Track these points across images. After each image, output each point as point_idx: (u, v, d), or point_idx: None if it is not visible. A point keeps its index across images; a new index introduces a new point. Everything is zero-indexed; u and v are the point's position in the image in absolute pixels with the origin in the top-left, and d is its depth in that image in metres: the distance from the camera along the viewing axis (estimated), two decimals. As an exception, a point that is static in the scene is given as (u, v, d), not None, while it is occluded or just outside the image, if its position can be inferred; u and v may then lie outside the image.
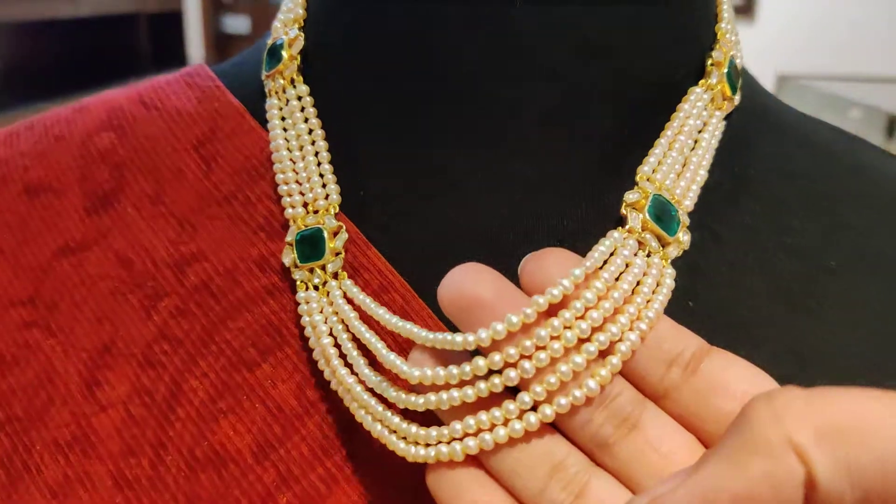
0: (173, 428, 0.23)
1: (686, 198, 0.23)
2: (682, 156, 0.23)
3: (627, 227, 0.22)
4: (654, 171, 0.23)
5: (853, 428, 0.14)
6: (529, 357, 0.19)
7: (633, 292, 0.20)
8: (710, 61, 0.25)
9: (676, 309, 0.21)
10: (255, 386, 0.23)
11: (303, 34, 0.25)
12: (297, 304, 0.23)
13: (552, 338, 0.19)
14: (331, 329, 0.22)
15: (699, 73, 0.25)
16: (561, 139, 0.24)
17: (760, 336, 0.23)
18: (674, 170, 0.23)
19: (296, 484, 0.22)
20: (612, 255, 0.21)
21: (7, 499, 0.23)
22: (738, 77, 0.26)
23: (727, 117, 0.25)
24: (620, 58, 0.24)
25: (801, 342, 0.23)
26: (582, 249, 0.21)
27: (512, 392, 0.20)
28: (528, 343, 0.19)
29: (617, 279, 0.20)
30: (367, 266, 0.24)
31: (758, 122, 0.26)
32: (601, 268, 0.20)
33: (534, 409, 0.19)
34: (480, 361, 0.19)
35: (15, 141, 0.28)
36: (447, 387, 0.20)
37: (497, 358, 0.19)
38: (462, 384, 0.20)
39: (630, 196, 0.22)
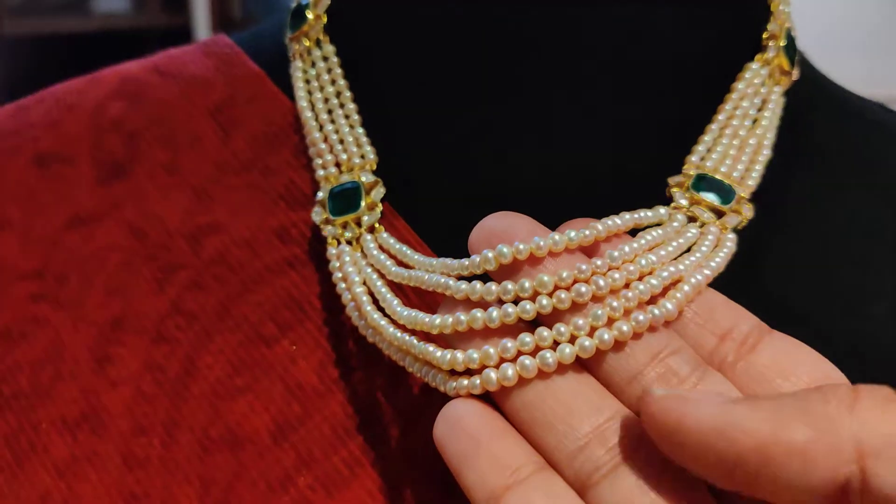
0: (187, 406, 0.22)
1: (749, 178, 0.22)
2: (737, 139, 0.22)
3: (672, 204, 0.21)
4: (702, 160, 0.22)
5: None
6: (565, 288, 0.17)
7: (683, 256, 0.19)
8: (765, 35, 0.24)
9: (734, 290, 0.20)
10: (273, 363, 0.22)
11: None
12: (325, 273, 0.22)
13: (585, 279, 0.17)
14: (364, 281, 0.21)
15: (754, 48, 0.24)
16: (608, 118, 0.23)
17: (821, 325, 0.21)
18: (728, 155, 0.22)
19: (317, 466, 0.21)
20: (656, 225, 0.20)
21: (13, 478, 0.21)
22: (795, 50, 0.25)
23: (786, 92, 0.24)
24: (668, 38, 0.23)
25: (862, 336, 0.21)
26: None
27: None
28: (564, 274, 0.17)
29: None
30: (394, 235, 0.22)
31: (815, 96, 0.25)
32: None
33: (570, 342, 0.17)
34: (510, 285, 0.17)
35: (24, 114, 0.27)
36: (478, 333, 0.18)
37: (527, 284, 0.17)
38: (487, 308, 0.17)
39: (674, 179, 0.21)
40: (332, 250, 0.22)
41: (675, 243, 0.19)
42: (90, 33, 2.82)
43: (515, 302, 0.17)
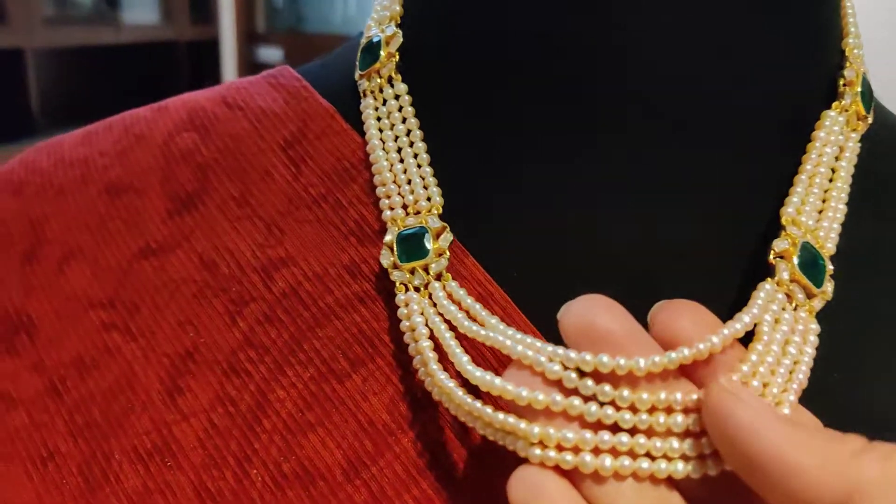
0: (259, 440, 0.22)
1: (828, 240, 0.22)
2: (821, 190, 0.22)
3: (776, 278, 0.20)
4: (797, 213, 0.22)
5: None
6: (664, 410, 0.18)
7: (782, 353, 0.19)
8: (842, 81, 0.24)
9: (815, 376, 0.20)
10: (345, 398, 0.22)
11: (400, 31, 0.24)
12: (395, 309, 0.22)
13: (682, 410, 0.18)
14: (431, 332, 0.21)
15: (830, 94, 0.24)
16: (687, 163, 0.22)
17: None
18: (815, 207, 0.22)
19: None
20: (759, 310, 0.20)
21: None
22: (872, 95, 0.24)
23: (862, 138, 0.24)
24: (745, 87, 0.22)
25: None
26: (712, 288, 0.20)
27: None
28: (662, 396, 0.18)
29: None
30: (465, 275, 0.22)
31: (887, 137, 0.25)
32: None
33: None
34: (607, 388, 0.18)
35: (94, 140, 0.28)
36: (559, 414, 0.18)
37: (626, 394, 0.18)
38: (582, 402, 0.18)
39: (779, 245, 0.21)
40: (400, 296, 0.22)
41: (777, 338, 0.19)
42: (120, 45, 2.87)
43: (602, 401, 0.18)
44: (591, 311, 0.18)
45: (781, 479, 0.15)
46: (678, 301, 0.19)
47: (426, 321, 0.21)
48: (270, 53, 3.65)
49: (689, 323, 0.19)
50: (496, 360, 0.22)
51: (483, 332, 0.20)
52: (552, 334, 0.21)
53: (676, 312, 0.19)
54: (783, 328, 0.20)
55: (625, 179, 0.22)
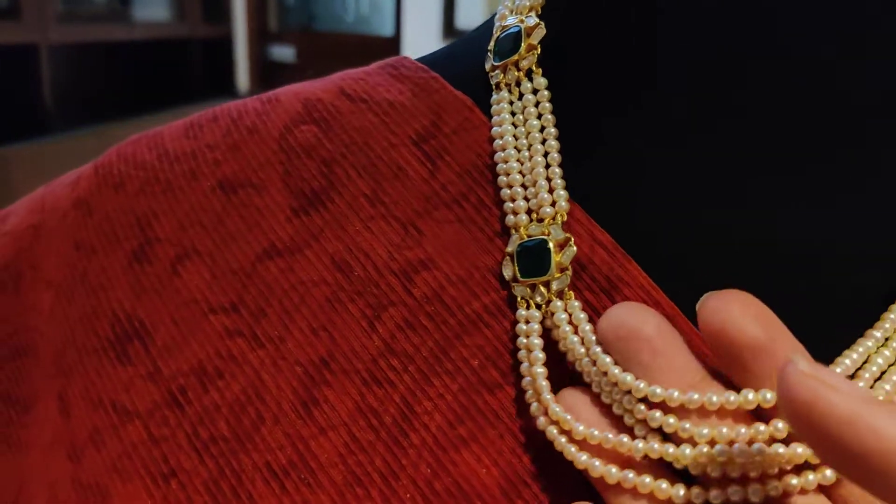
0: (406, 456, 0.20)
1: None
2: None
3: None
4: None
5: None
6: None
7: None
8: None
9: None
10: (498, 411, 0.20)
11: (542, 23, 0.23)
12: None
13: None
14: (545, 358, 0.20)
15: None
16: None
17: None
18: None
19: None
20: None
21: None
22: None
23: None
24: None
25: None
26: None
27: None
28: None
29: None
30: (628, 281, 0.21)
31: None
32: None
33: None
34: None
35: (199, 132, 0.26)
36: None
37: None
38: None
39: None
40: (521, 312, 0.21)
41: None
42: (133, 42, 2.85)
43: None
44: (725, 310, 0.17)
45: (890, 472, 0.14)
46: (728, 291, 0.18)
47: (542, 345, 0.20)
48: (283, 52, 3.63)
49: (738, 311, 0.17)
50: None
51: (594, 369, 0.19)
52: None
53: (725, 301, 0.17)
54: None
55: (800, 182, 0.20)
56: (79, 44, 2.60)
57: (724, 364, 0.18)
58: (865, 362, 0.19)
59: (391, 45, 3.39)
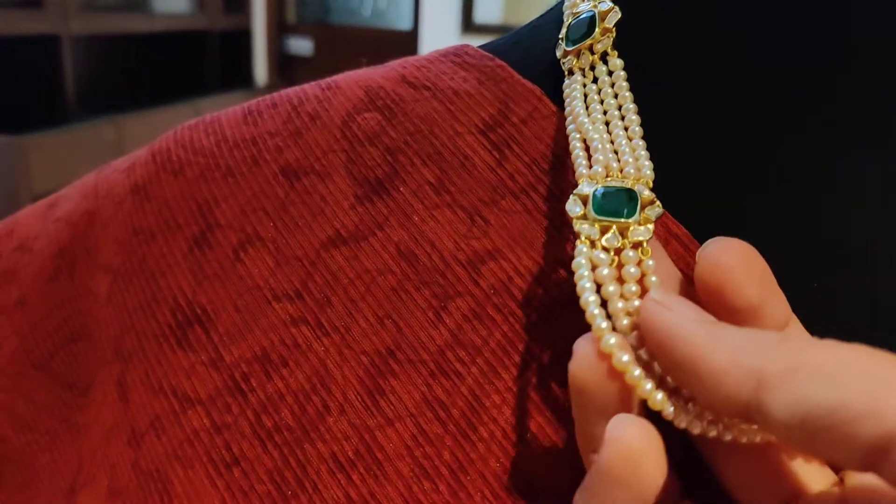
0: (476, 450, 0.20)
1: None
2: None
3: None
4: None
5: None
6: None
7: None
8: None
9: None
10: (567, 406, 0.20)
11: (617, 7, 0.22)
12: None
13: None
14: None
15: None
16: None
17: None
18: None
19: None
20: None
21: None
22: None
23: None
24: None
25: None
26: None
27: None
28: None
29: None
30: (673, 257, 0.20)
31: None
32: None
33: None
34: None
35: (259, 119, 0.26)
36: None
37: None
38: None
39: None
40: (582, 248, 0.18)
41: None
42: (154, 34, 2.86)
43: None
44: (723, 266, 0.17)
45: (700, 379, 0.15)
46: (729, 242, 0.18)
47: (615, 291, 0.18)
48: (300, 45, 3.64)
49: (740, 270, 0.17)
50: None
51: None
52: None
53: (727, 255, 0.17)
54: None
55: (879, 185, 0.20)
56: (100, 35, 2.61)
57: (712, 310, 0.17)
58: None
59: (409, 38, 3.39)
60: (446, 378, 0.20)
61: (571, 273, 0.21)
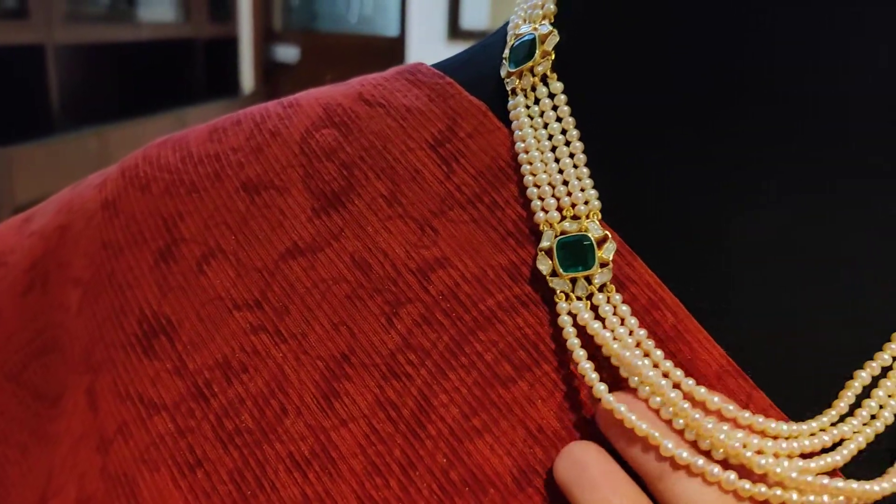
0: (424, 447, 0.21)
1: None
2: None
3: None
4: None
5: None
6: None
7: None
8: None
9: None
10: (511, 404, 0.21)
11: (556, 30, 0.24)
12: (556, 315, 0.21)
13: None
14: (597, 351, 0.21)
15: None
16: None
17: None
18: None
19: None
20: None
21: None
22: None
23: None
24: None
25: None
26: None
27: None
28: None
29: None
30: (635, 279, 0.22)
31: None
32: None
33: None
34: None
35: (223, 136, 0.27)
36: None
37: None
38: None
39: None
40: (561, 304, 0.21)
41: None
42: (139, 42, 2.87)
43: None
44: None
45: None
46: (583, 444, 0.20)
47: (591, 334, 0.21)
48: (287, 52, 3.65)
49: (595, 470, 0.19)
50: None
51: (667, 364, 0.20)
52: (723, 340, 0.21)
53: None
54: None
55: (810, 189, 0.21)
56: (85, 44, 2.61)
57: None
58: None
59: (396, 45, 3.40)
60: (397, 380, 0.22)
61: (513, 279, 0.22)
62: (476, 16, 3.30)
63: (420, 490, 0.21)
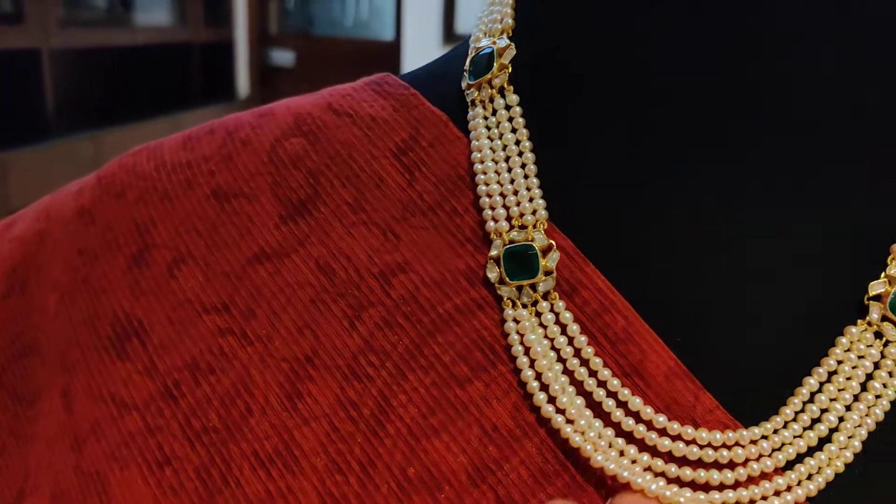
0: (383, 445, 0.22)
1: None
2: None
3: (867, 318, 0.21)
4: None
5: None
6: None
7: (865, 386, 0.21)
8: None
9: None
10: (467, 403, 0.22)
11: (513, 44, 0.25)
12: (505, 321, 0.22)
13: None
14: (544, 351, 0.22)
15: None
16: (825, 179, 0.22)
17: None
18: None
19: None
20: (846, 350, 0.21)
21: None
22: None
23: None
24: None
25: None
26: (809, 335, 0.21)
27: None
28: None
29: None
30: (586, 283, 0.22)
31: None
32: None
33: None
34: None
35: (196, 145, 0.28)
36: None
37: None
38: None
39: (875, 287, 0.21)
40: (508, 311, 0.22)
41: (858, 374, 0.21)
42: (135, 47, 2.88)
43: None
44: None
45: None
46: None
47: (539, 342, 0.22)
48: (283, 56, 3.66)
49: None
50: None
51: (581, 370, 0.22)
52: (672, 342, 0.22)
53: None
54: (865, 363, 0.21)
55: (753, 192, 0.22)
56: (81, 49, 2.62)
57: None
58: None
59: (392, 49, 3.42)
60: (358, 381, 0.23)
61: (471, 283, 0.23)
62: (471, 20, 3.30)
63: (379, 487, 0.21)
